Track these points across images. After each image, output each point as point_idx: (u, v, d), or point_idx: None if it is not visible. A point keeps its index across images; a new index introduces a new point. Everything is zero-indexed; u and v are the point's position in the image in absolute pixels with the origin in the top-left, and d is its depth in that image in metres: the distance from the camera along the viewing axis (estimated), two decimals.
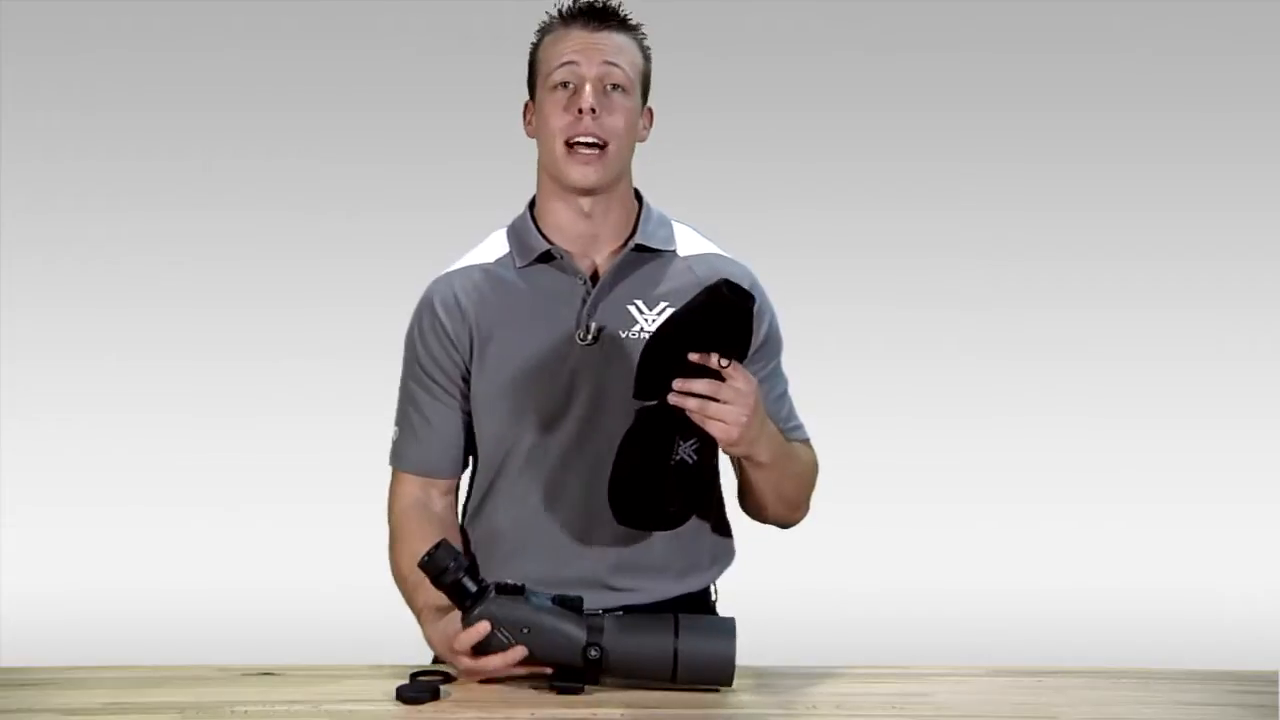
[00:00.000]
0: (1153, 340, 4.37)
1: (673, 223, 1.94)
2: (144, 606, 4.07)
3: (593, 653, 1.63)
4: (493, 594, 1.65)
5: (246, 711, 1.59)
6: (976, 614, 4.06)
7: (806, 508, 1.93)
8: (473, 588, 1.65)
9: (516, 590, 1.65)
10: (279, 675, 1.73)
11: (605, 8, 1.85)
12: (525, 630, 1.63)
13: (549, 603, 1.66)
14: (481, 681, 1.67)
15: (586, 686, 1.65)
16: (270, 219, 4.38)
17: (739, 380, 1.67)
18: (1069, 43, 4.41)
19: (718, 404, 1.66)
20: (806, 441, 1.95)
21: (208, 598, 4.09)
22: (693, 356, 1.66)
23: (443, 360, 1.88)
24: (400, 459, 1.92)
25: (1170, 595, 4.10)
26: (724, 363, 1.66)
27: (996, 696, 1.68)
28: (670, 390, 1.66)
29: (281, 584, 4.10)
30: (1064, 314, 4.41)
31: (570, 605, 1.66)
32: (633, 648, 1.64)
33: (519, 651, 1.63)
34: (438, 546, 1.66)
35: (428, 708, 1.59)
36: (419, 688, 1.62)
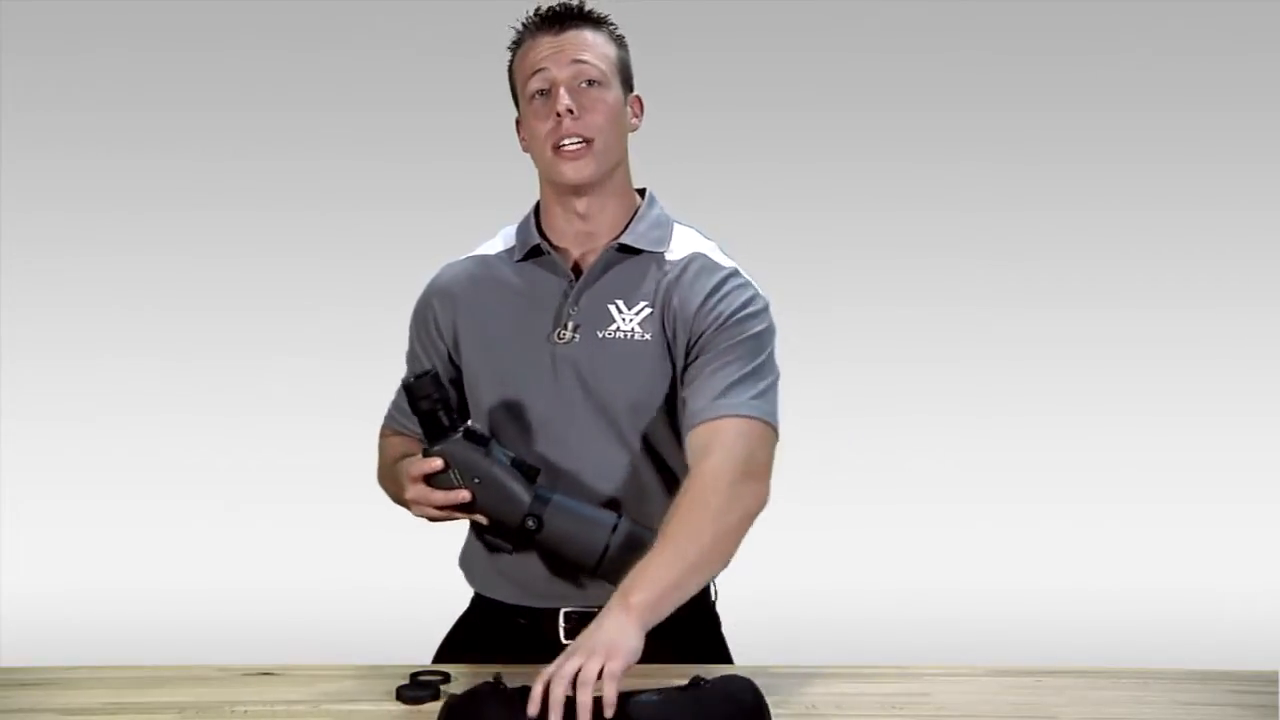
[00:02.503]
0: (1153, 340, 4.37)
1: (675, 224, 1.92)
2: (144, 606, 4.07)
3: (530, 523, 1.70)
4: (459, 436, 1.70)
5: (246, 711, 1.59)
6: (976, 614, 4.05)
7: (750, 523, 1.73)
8: (445, 422, 1.71)
9: (483, 441, 1.71)
10: (279, 675, 1.73)
11: (565, 9, 1.85)
12: (476, 480, 1.70)
13: (507, 461, 1.71)
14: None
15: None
16: (270, 219, 4.38)
17: (566, 665, 1.48)
18: (1069, 43, 4.41)
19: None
20: (750, 418, 1.74)
21: (208, 598, 4.09)
22: None
23: (428, 346, 1.93)
24: (391, 420, 2.00)
25: (1170, 595, 4.10)
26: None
27: (995, 696, 1.68)
28: None
29: (281, 584, 4.10)
30: (1064, 314, 4.41)
31: (527, 472, 1.72)
32: (567, 532, 1.71)
33: (463, 495, 1.71)
34: (426, 373, 1.72)
35: (427, 708, 1.59)
36: (419, 688, 1.62)
